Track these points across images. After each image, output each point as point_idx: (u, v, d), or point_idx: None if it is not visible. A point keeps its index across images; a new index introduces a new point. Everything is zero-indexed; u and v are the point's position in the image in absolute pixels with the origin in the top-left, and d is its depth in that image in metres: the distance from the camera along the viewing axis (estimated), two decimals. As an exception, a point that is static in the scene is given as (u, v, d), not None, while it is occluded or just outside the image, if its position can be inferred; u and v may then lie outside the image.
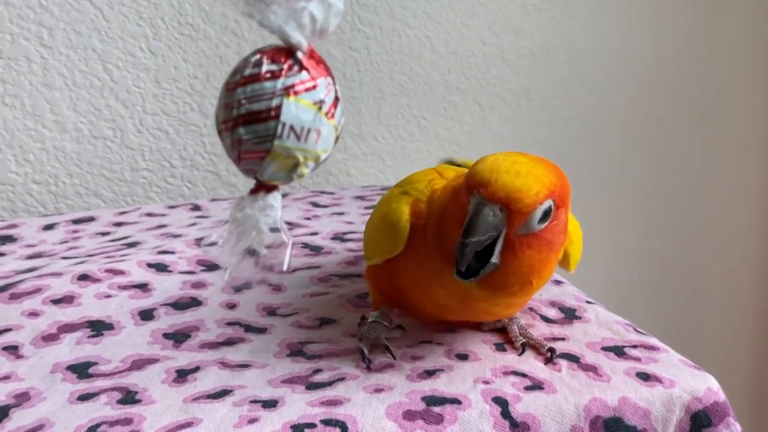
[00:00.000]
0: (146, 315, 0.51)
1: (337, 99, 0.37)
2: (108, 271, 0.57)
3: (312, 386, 0.42)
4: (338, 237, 0.67)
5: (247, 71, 0.37)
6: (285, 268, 0.37)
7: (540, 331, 0.48)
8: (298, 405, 0.39)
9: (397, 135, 0.96)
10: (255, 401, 0.40)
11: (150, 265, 0.58)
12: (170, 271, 0.58)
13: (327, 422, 0.38)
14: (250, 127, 0.36)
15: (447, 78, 0.97)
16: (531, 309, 0.51)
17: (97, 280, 0.56)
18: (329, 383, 0.42)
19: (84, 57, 0.81)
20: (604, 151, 1.08)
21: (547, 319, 0.50)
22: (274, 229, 0.37)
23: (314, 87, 0.35)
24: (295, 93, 0.34)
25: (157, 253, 0.61)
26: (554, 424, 0.39)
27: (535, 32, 1.00)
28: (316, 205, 0.78)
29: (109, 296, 0.54)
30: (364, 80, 0.93)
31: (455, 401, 0.40)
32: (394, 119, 0.96)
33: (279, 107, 0.35)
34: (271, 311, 0.52)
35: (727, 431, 0.42)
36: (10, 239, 0.68)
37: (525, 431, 0.39)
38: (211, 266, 0.59)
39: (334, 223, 0.71)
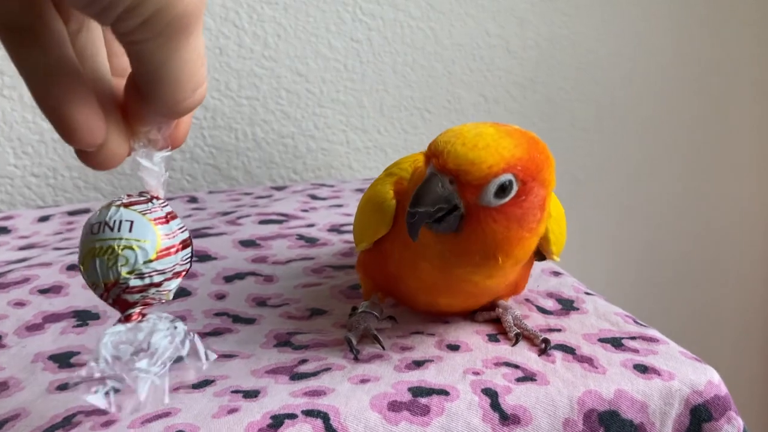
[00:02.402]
0: (133, 305, 0.50)
1: (186, 240, 0.31)
2: (98, 261, 0.56)
3: (296, 377, 0.40)
4: (335, 229, 0.66)
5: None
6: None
7: (536, 322, 0.47)
8: (280, 395, 0.38)
9: (400, 128, 0.95)
10: (236, 391, 0.39)
11: (141, 256, 0.57)
12: (161, 262, 0.57)
13: (308, 413, 0.36)
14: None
15: (451, 70, 0.96)
16: (527, 300, 0.50)
17: (86, 271, 0.55)
18: (314, 374, 0.41)
19: (82, 48, 0.81)
20: (610, 143, 1.07)
21: (543, 311, 0.49)
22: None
23: (150, 211, 0.30)
24: (127, 205, 0.30)
25: (149, 243, 0.60)
26: (546, 416, 0.38)
27: (540, 23, 0.98)
28: (314, 197, 0.76)
29: (97, 286, 0.53)
30: (366, 72, 0.92)
31: (443, 392, 0.38)
32: (397, 112, 0.95)
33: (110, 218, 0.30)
34: (260, 302, 0.51)
35: (728, 426, 0.40)
36: (4, 230, 0.67)
37: (515, 424, 0.37)
38: (202, 257, 0.58)
39: (332, 215, 0.70)
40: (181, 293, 0.52)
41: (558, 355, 0.43)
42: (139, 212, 0.30)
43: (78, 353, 0.44)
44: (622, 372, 0.41)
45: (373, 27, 0.91)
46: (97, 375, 0.30)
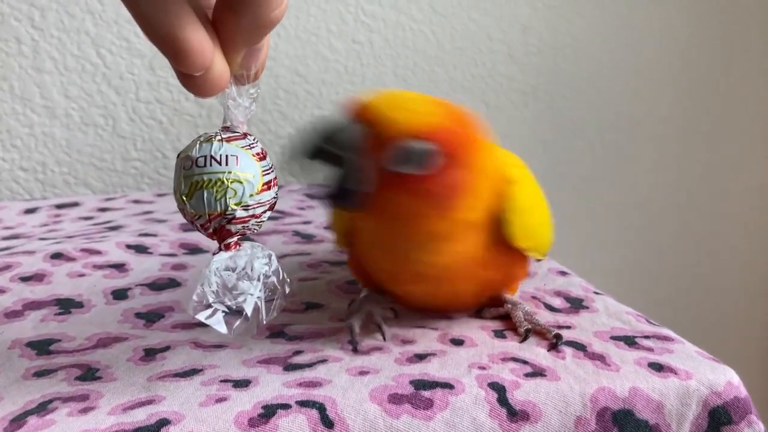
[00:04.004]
0: (120, 294, 0.48)
1: (275, 177, 0.33)
2: (84, 250, 0.54)
3: (290, 367, 0.38)
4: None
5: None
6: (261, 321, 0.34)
7: (544, 319, 0.44)
8: (273, 385, 0.36)
9: (399, 132, 0.93)
10: (225, 381, 0.36)
11: (129, 246, 0.55)
12: (150, 253, 0.54)
13: (303, 403, 0.34)
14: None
15: (452, 75, 0.94)
16: (534, 297, 0.48)
17: (71, 259, 0.52)
18: (309, 365, 0.38)
19: (76, 40, 0.79)
20: (612, 150, 1.05)
21: (551, 308, 0.46)
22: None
23: (251, 146, 0.32)
24: (228, 140, 0.31)
25: (138, 235, 0.58)
26: (557, 413, 0.35)
27: (543, 29, 0.97)
28: (311, 196, 0.74)
29: (82, 275, 0.50)
30: (367, 74, 0.90)
31: (447, 386, 0.36)
32: (397, 116, 0.93)
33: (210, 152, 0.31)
34: (254, 294, 0.49)
35: (749, 430, 0.38)
36: (-13, 221, 0.65)
37: (524, 420, 0.35)
38: (194, 249, 0.56)
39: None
40: (171, 284, 0.49)
41: (568, 351, 0.40)
42: (242, 147, 0.31)
43: (59, 341, 0.41)
44: (636, 370, 0.39)
45: (374, 29, 0.89)
46: (210, 299, 0.32)
